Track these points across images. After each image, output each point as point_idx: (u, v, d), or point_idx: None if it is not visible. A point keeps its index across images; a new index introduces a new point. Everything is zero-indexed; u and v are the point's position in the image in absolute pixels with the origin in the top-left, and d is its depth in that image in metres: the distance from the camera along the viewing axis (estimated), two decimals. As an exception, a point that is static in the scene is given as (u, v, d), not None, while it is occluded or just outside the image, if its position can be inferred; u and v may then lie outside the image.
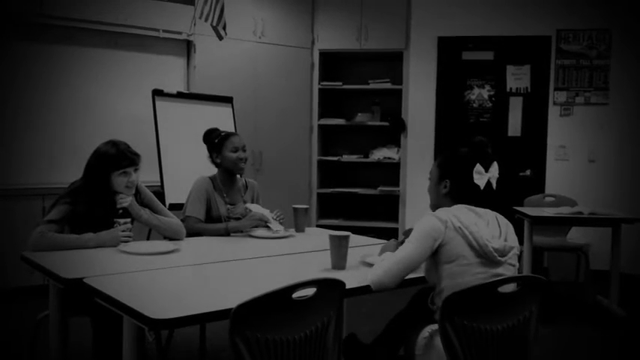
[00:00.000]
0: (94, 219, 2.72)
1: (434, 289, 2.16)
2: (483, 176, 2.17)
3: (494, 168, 2.20)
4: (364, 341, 2.61)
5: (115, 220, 2.72)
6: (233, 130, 3.36)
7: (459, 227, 2.05)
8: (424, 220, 2.10)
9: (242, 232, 3.19)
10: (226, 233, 3.17)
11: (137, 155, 2.82)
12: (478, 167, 2.16)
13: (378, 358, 2.34)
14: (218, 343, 3.62)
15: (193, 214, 3.21)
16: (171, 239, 2.92)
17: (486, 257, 2.06)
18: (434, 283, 2.13)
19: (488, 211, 2.18)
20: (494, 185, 2.19)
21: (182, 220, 3.25)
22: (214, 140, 3.34)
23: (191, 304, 1.82)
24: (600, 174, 5.87)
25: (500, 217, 2.20)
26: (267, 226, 3.20)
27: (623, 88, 5.80)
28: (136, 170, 2.81)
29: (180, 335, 3.57)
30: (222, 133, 3.35)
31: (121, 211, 2.73)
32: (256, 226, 3.21)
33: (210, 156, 3.36)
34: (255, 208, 3.26)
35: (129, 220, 2.76)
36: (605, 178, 5.86)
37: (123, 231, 2.70)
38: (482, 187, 2.17)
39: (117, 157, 2.74)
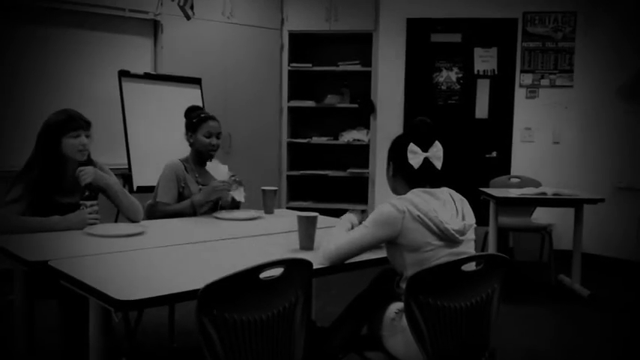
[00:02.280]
0: (56, 202, 2.69)
1: (399, 274, 2.19)
2: (418, 155, 2.17)
3: (436, 148, 2.20)
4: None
5: (81, 202, 2.69)
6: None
7: (418, 216, 2.06)
8: (383, 207, 2.11)
9: (210, 197, 3.18)
10: (193, 209, 3.16)
11: (88, 122, 2.79)
12: (412, 146, 2.18)
13: (340, 339, 2.36)
14: (187, 325, 3.62)
15: (163, 199, 3.19)
16: (128, 218, 2.90)
17: (448, 239, 2.10)
18: (400, 270, 2.16)
19: (443, 189, 2.21)
20: (437, 165, 2.19)
21: (152, 206, 3.24)
22: (192, 119, 3.31)
23: (158, 286, 1.82)
24: (564, 155, 5.99)
25: (454, 194, 2.23)
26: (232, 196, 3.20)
27: (588, 71, 5.90)
28: (87, 137, 2.77)
29: (149, 318, 3.56)
30: (202, 115, 3.32)
31: (87, 192, 2.70)
32: (221, 194, 3.20)
33: (186, 133, 3.34)
34: (213, 168, 3.23)
35: (96, 202, 2.73)
36: (569, 160, 5.98)
37: (90, 213, 2.68)
38: (416, 167, 2.17)
39: (67, 121, 2.72)
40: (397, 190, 2.27)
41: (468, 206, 2.22)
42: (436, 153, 2.20)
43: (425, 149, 2.19)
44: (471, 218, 2.19)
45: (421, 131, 2.22)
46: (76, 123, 2.73)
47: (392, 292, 2.23)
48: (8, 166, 4.53)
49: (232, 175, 3.20)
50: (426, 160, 2.18)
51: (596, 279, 5.00)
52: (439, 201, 2.14)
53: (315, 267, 1.93)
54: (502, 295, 2.10)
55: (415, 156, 2.18)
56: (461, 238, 2.12)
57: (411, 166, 2.18)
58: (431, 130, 2.23)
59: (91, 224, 2.65)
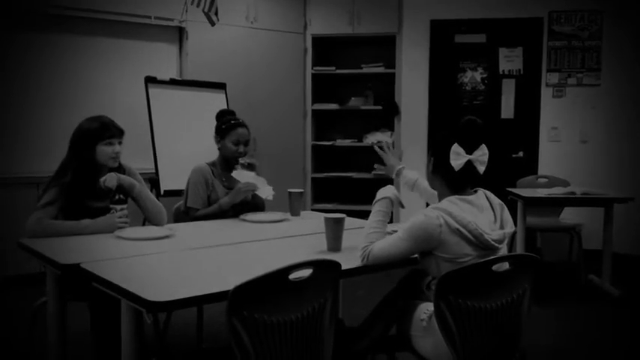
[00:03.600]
0: (87, 207, 2.73)
1: (430, 276, 2.17)
2: (461, 157, 2.07)
3: (481, 151, 2.10)
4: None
5: (111, 206, 2.73)
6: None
7: (457, 229, 2.00)
8: (420, 218, 2.04)
9: (236, 199, 3.20)
10: (221, 211, 3.18)
11: (121, 130, 2.83)
12: (456, 147, 2.07)
13: (369, 339, 2.35)
14: (214, 327, 3.65)
15: (195, 205, 3.22)
16: (151, 222, 2.93)
17: (487, 248, 2.04)
18: (433, 275, 2.13)
19: (479, 194, 2.14)
20: (480, 169, 2.09)
21: (182, 211, 3.28)
22: (222, 125, 3.34)
23: (189, 287, 1.84)
24: (592, 154, 5.90)
25: (492, 197, 2.17)
26: (257, 193, 3.21)
27: (615, 69, 5.81)
28: (119, 144, 2.82)
29: (177, 320, 3.59)
30: (232, 121, 3.33)
31: (116, 197, 2.74)
32: (247, 195, 3.21)
33: (215, 137, 3.36)
34: (240, 175, 3.25)
35: (125, 206, 2.77)
36: (597, 159, 5.89)
37: (119, 217, 2.72)
38: (457, 169, 2.07)
39: (101, 128, 2.76)
40: (434, 186, 2.22)
41: (507, 212, 2.15)
42: (481, 157, 2.10)
43: (469, 151, 2.08)
44: (510, 226, 2.12)
45: (468, 132, 2.11)
46: (110, 131, 2.78)
47: (421, 292, 2.22)
48: (35, 172, 4.64)
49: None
50: (469, 163, 2.08)
51: (626, 279, 4.92)
52: (476, 208, 2.08)
53: (343, 268, 1.93)
54: (532, 295, 2.08)
55: (458, 157, 2.07)
56: (499, 245, 2.07)
57: (452, 167, 2.08)
58: (479, 131, 2.12)
59: (121, 228, 2.69)
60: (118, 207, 2.73)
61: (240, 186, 3.19)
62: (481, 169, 2.10)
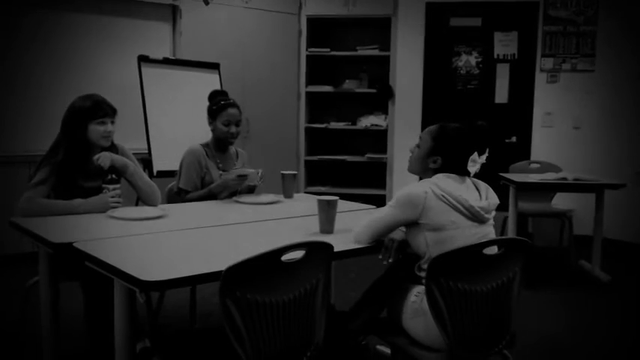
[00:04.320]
0: (79, 186, 2.72)
1: (420, 257, 2.19)
2: (477, 164, 2.20)
3: (486, 154, 2.23)
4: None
5: (103, 186, 2.72)
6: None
7: (442, 195, 2.08)
8: (405, 188, 2.15)
9: (225, 190, 3.21)
10: (211, 194, 3.19)
11: (114, 108, 2.81)
12: (475, 156, 2.19)
13: (360, 322, 2.38)
14: (207, 308, 3.66)
15: (186, 186, 3.22)
16: (145, 202, 2.93)
17: (475, 218, 2.11)
18: (422, 252, 2.16)
19: (465, 177, 2.23)
20: (478, 169, 2.23)
21: (174, 192, 3.28)
22: (213, 106, 3.32)
23: (182, 267, 1.84)
24: (585, 141, 5.92)
25: (477, 181, 2.26)
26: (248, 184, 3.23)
27: (610, 55, 5.81)
28: (112, 123, 2.80)
29: (170, 301, 3.61)
30: (222, 102, 3.31)
31: (109, 176, 2.73)
32: (236, 188, 3.22)
33: (207, 119, 3.35)
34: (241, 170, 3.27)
35: (118, 186, 2.76)
36: (589, 145, 5.91)
37: (112, 197, 2.71)
38: (472, 174, 2.21)
39: (93, 107, 2.74)
40: (423, 175, 2.29)
41: (492, 191, 2.24)
42: (484, 159, 2.23)
43: (479, 155, 2.22)
44: (494, 198, 2.21)
45: (482, 138, 2.24)
46: (102, 110, 2.75)
47: (411, 275, 2.24)
48: (28, 151, 4.61)
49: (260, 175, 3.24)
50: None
51: (616, 264, 4.96)
52: (462, 185, 2.17)
53: (335, 250, 1.94)
54: (523, 279, 2.10)
55: (474, 164, 2.20)
56: (487, 215, 2.14)
57: (461, 166, 2.19)
58: (488, 136, 2.25)
59: (114, 207, 2.68)
60: (111, 187, 2.72)
61: (229, 182, 3.18)
62: (479, 168, 2.24)
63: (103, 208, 2.67)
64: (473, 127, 2.24)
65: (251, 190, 3.38)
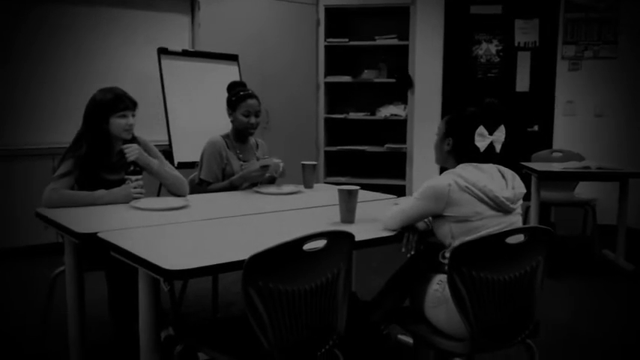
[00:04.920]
0: (102, 179, 2.76)
1: (444, 246, 2.19)
2: (485, 139, 2.18)
3: (501, 131, 2.21)
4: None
5: (126, 177, 2.75)
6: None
7: (466, 186, 2.07)
8: (430, 180, 2.15)
9: (247, 181, 3.23)
10: (232, 187, 3.21)
11: (134, 102, 2.83)
12: (481, 129, 2.17)
13: (382, 311, 2.38)
14: (229, 297, 3.69)
15: (208, 178, 3.24)
16: (173, 194, 2.95)
17: (500, 208, 2.10)
18: (448, 243, 2.16)
19: (491, 165, 2.21)
20: (497, 148, 2.21)
21: (195, 183, 3.30)
22: (232, 97, 3.33)
23: (204, 256, 1.86)
24: (607, 129, 5.84)
25: (504, 169, 2.23)
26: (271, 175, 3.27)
27: (632, 42, 5.72)
28: (133, 116, 2.82)
29: (192, 290, 3.64)
30: (241, 93, 3.32)
31: (132, 167, 2.76)
32: (258, 180, 3.25)
33: (227, 110, 3.36)
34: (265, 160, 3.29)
35: (140, 177, 2.79)
36: (612, 133, 5.83)
37: (135, 188, 2.74)
38: (482, 150, 2.18)
39: (114, 100, 2.76)
40: (444, 163, 2.29)
41: (519, 179, 2.22)
42: (500, 137, 2.21)
43: (491, 132, 2.20)
44: (521, 187, 2.19)
45: (490, 113, 2.22)
46: (123, 103, 2.77)
47: (434, 264, 2.24)
48: (52, 143, 4.67)
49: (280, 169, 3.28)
50: (490, 143, 2.20)
51: (640, 254, 4.90)
52: (486, 174, 2.15)
53: (356, 239, 1.94)
54: (545, 268, 2.09)
55: (483, 139, 2.18)
56: (513, 205, 2.13)
57: (477, 148, 2.18)
58: (500, 112, 2.23)
59: (136, 198, 2.71)
60: (133, 177, 2.75)
61: (252, 174, 3.20)
62: (498, 147, 2.22)
63: (125, 199, 2.70)
64: (480, 103, 2.25)
65: (272, 180, 3.40)
